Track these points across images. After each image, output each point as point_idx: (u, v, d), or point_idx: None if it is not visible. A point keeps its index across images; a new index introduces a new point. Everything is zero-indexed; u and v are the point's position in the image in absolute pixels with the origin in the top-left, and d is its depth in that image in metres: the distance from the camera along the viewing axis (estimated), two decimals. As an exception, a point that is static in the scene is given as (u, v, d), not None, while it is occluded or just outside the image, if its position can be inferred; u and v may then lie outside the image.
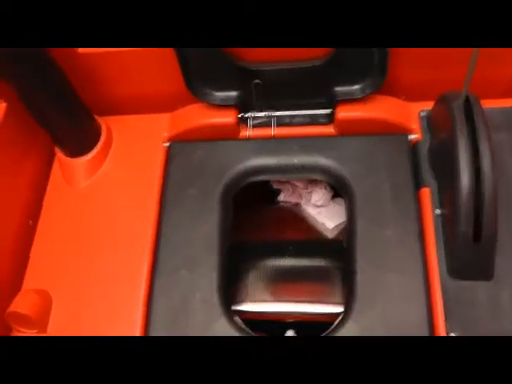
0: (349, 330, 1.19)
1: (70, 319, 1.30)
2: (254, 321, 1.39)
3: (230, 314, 1.27)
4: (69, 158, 1.45)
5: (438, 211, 1.27)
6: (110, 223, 1.40)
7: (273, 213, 1.71)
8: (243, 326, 1.26)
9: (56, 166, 1.51)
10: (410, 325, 1.18)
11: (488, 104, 1.24)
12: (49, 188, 1.48)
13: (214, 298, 1.26)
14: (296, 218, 1.66)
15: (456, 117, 1.18)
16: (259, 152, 1.44)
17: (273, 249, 1.60)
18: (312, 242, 1.63)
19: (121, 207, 1.42)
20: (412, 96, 1.46)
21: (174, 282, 1.29)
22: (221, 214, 1.37)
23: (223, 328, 1.22)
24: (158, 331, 1.24)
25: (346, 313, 1.21)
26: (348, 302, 1.24)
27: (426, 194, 1.30)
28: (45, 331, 1.30)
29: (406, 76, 1.43)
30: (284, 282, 1.51)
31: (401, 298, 1.20)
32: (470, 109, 1.19)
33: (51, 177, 1.50)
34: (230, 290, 1.39)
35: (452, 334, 1.14)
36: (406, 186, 1.33)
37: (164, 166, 1.45)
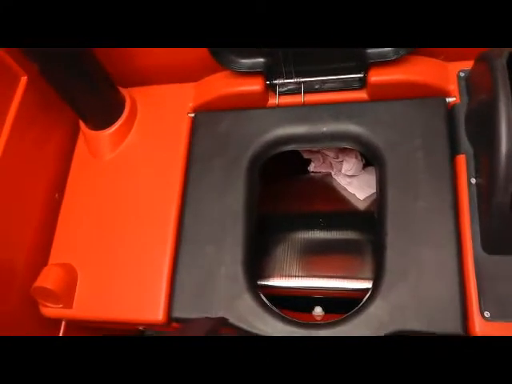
0: (377, 307, 1.12)
1: (96, 293, 1.29)
2: (281, 296, 1.35)
3: (255, 289, 1.23)
4: (93, 131, 1.42)
5: (473, 180, 1.18)
6: (134, 196, 1.37)
7: (303, 183, 1.64)
8: (268, 302, 1.21)
9: (81, 139, 1.49)
10: (442, 302, 1.10)
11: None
12: (74, 161, 1.46)
13: (239, 274, 1.22)
14: (326, 188, 1.59)
15: (498, 76, 1.07)
16: (288, 120, 1.37)
17: (302, 221, 1.54)
18: (343, 213, 1.56)
19: (145, 179, 1.38)
20: (451, 55, 1.34)
21: (199, 256, 1.25)
22: (247, 186, 1.31)
23: (247, 304, 1.18)
24: (181, 307, 1.22)
25: (375, 289, 1.15)
26: (377, 277, 1.17)
27: (462, 161, 1.20)
28: (70, 306, 1.29)
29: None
30: (313, 256, 1.45)
31: (432, 273, 1.13)
32: (513, 67, 1.08)
33: (76, 150, 1.48)
34: (256, 264, 1.35)
35: (486, 312, 1.06)
36: (442, 154, 1.23)
37: (189, 136, 1.40)
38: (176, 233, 1.30)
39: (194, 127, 1.41)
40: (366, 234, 1.45)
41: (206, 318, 1.18)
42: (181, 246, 1.28)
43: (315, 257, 1.45)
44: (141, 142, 1.43)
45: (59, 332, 1.45)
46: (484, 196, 1.14)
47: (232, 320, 1.17)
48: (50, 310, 1.32)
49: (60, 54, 1.20)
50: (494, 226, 1.10)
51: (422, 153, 1.24)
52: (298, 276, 1.40)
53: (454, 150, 1.23)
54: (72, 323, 1.44)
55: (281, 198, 1.59)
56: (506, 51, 1.08)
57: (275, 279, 1.40)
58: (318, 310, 1.37)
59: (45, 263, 1.36)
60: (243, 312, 1.18)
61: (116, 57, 1.42)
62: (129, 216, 1.35)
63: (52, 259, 1.36)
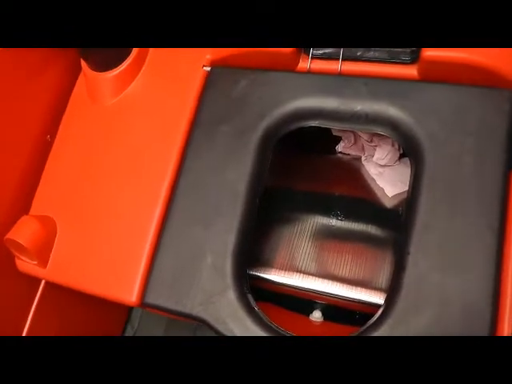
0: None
1: (72, 256, 1.12)
2: (276, 293, 1.14)
3: (242, 287, 1.01)
4: (94, 72, 1.19)
5: None
6: (129, 151, 1.16)
7: (327, 163, 1.38)
8: (255, 305, 0.99)
9: (81, 79, 1.27)
10: None
11: None
12: (70, 102, 1.25)
13: (227, 266, 1.00)
14: (353, 174, 1.33)
15: None
16: (317, 90, 1.09)
17: (317, 206, 1.29)
18: (365, 207, 1.29)
19: (145, 135, 1.16)
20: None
21: (185, 238, 1.04)
22: (255, 163, 1.07)
23: (229, 304, 0.97)
24: (155, 293, 1.02)
25: (383, 315, 0.91)
26: (389, 301, 0.92)
27: None
28: (45, 265, 1.13)
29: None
30: (321, 252, 1.21)
31: (457, 314, 0.87)
32: None
33: (74, 91, 1.27)
34: (253, 250, 1.13)
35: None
36: (496, 162, 0.94)
37: (200, 93, 1.16)
38: (166, 206, 1.08)
39: (208, 83, 1.16)
40: (388, 237, 1.20)
41: None
42: (167, 222, 1.06)
43: (324, 253, 1.21)
44: (146, 91, 1.19)
45: (37, 291, 1.30)
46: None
47: (209, 319, 0.97)
48: (25, 265, 1.16)
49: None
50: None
51: (471, 157, 0.95)
52: (301, 272, 1.17)
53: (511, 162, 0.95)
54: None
55: (297, 175, 1.34)
56: None
57: (273, 272, 1.18)
58: (316, 315, 1.16)
59: (27, 211, 1.19)
60: (223, 313, 0.97)
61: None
62: (119, 175, 1.14)
63: (33, 208, 1.19)
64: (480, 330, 0.85)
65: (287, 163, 1.26)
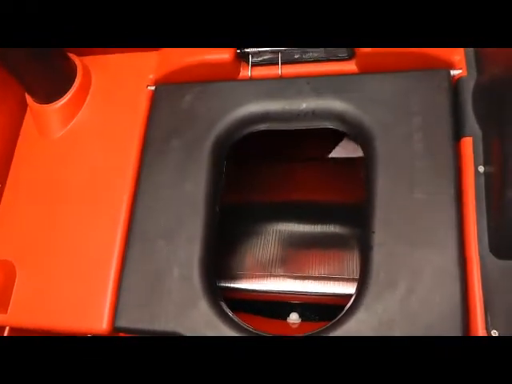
0: (359, 321, 0.87)
1: (34, 297, 1.06)
2: (251, 301, 1.11)
3: (214, 295, 0.97)
4: (40, 105, 1.17)
5: (481, 168, 0.92)
6: (83, 183, 1.12)
7: (278, 171, 1.38)
8: (228, 311, 0.96)
9: (28, 115, 1.23)
10: (439, 317, 0.85)
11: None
12: (20, 141, 1.21)
13: (194, 276, 0.97)
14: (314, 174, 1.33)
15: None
16: (261, 95, 1.10)
17: (278, 213, 1.28)
18: (326, 206, 1.29)
19: (96, 163, 1.13)
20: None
21: (149, 254, 1.00)
22: (210, 172, 1.06)
23: (202, 314, 0.93)
24: (126, 315, 0.97)
25: (358, 298, 0.89)
26: (361, 283, 0.91)
27: (468, 145, 0.94)
28: (5, 311, 1.05)
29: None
30: (289, 253, 1.20)
31: (428, 281, 0.87)
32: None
33: (23, 127, 1.23)
34: (221, 263, 1.11)
35: (493, 332, 0.82)
36: (444, 136, 0.96)
37: (148, 113, 1.14)
38: (127, 226, 1.05)
39: (154, 102, 1.15)
40: (353, 231, 1.20)
41: None
42: (129, 242, 1.03)
43: (292, 256, 1.20)
44: (93, 118, 1.17)
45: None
46: (495, 188, 0.88)
47: (184, 332, 0.93)
48: None
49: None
50: (506, 225, 0.85)
51: (420, 134, 0.97)
52: (272, 277, 1.15)
53: (458, 132, 0.96)
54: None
55: (254, 186, 1.33)
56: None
57: (244, 281, 1.15)
58: (293, 317, 1.13)
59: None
60: (197, 323, 0.93)
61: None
62: (76, 207, 1.11)
63: None
64: (453, 292, 0.85)
65: (243, 177, 1.25)
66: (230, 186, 1.12)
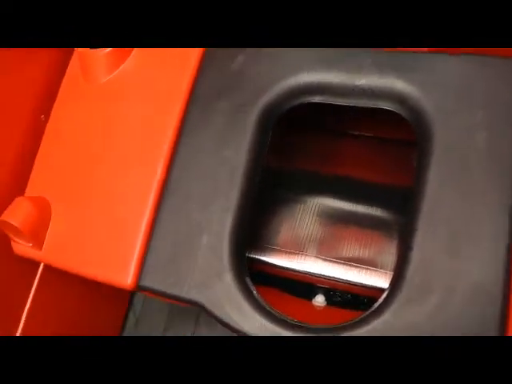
0: (386, 323, 0.82)
1: (67, 238, 1.06)
2: (277, 277, 1.08)
3: (241, 269, 0.94)
4: (87, 49, 1.11)
5: None
6: (123, 131, 1.09)
7: (333, 143, 1.29)
8: (253, 288, 0.92)
9: (74, 58, 1.19)
10: (473, 333, 0.79)
11: None
12: (64, 81, 1.18)
13: (224, 247, 0.93)
14: (359, 155, 1.25)
15: None
16: (318, 64, 1.01)
17: (321, 186, 1.21)
18: (371, 188, 1.21)
19: (138, 114, 1.08)
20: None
21: (181, 218, 0.97)
22: (254, 140, 1.00)
23: (226, 287, 0.91)
24: (151, 275, 0.96)
25: (388, 299, 0.84)
26: (394, 284, 0.85)
27: None
28: (40, 248, 1.07)
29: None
30: (325, 233, 1.14)
31: (465, 297, 0.80)
32: None
33: (68, 70, 1.19)
34: (254, 231, 1.06)
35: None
36: (508, 138, 0.86)
37: (197, 69, 1.08)
38: (162, 186, 1.02)
39: (205, 59, 1.08)
40: (394, 219, 1.13)
41: None
42: (163, 202, 1.00)
43: (328, 235, 1.14)
44: (141, 68, 1.11)
45: (36, 276, 1.25)
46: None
47: (205, 303, 0.91)
48: (20, 248, 1.10)
49: None
50: None
51: (482, 132, 0.87)
52: (303, 255, 1.11)
53: None
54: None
55: (301, 154, 1.26)
56: None
57: (274, 255, 1.11)
58: (319, 299, 1.09)
59: (23, 192, 1.13)
60: (220, 296, 0.90)
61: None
62: (114, 154, 1.07)
63: (28, 190, 1.13)
64: (490, 318, 0.78)
65: (290, 142, 1.18)
66: (272, 150, 1.07)
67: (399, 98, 0.96)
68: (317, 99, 1.03)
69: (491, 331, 0.77)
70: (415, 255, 0.84)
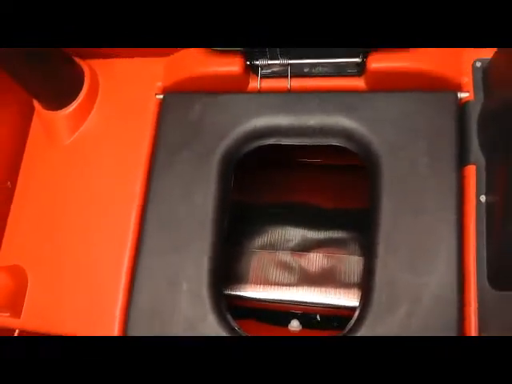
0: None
1: (46, 302, 1.08)
2: (254, 309, 1.14)
3: (221, 308, 1.00)
4: (48, 111, 1.16)
5: (483, 198, 0.93)
6: (92, 190, 1.13)
7: (287, 175, 1.38)
8: (235, 325, 0.98)
9: (36, 120, 1.22)
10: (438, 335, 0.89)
11: None
12: (28, 145, 1.21)
13: (203, 290, 0.99)
14: (312, 182, 1.35)
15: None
16: (269, 109, 1.09)
17: (283, 217, 1.30)
18: (330, 211, 1.31)
19: (105, 171, 1.13)
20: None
21: (159, 267, 1.02)
22: (219, 184, 1.06)
23: (211, 327, 0.96)
24: (137, 326, 1.00)
25: (359, 319, 0.92)
26: (363, 304, 0.94)
27: (471, 173, 0.95)
28: (18, 316, 1.08)
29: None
30: (295, 261, 1.22)
31: (427, 307, 0.90)
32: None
33: (31, 133, 1.22)
34: (228, 269, 1.13)
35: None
36: (449, 161, 0.97)
37: (156, 122, 1.14)
38: (136, 237, 1.06)
39: (163, 111, 1.14)
40: (356, 237, 1.22)
41: None
42: (140, 252, 1.04)
43: (298, 261, 1.23)
44: (102, 125, 1.17)
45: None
46: (496, 218, 0.89)
47: None
48: None
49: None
50: (506, 256, 0.86)
51: (425, 159, 0.98)
52: (274, 285, 1.18)
53: (463, 158, 0.97)
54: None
55: (260, 189, 1.35)
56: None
57: (247, 289, 1.18)
58: (294, 324, 1.16)
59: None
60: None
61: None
62: (86, 214, 1.11)
63: (2, 258, 1.14)
64: (450, 321, 0.88)
65: (250, 179, 1.25)
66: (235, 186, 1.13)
67: (347, 135, 1.05)
68: (272, 141, 1.10)
69: (452, 332, 0.87)
70: (379, 275, 0.93)
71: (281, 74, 1.13)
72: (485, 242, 0.91)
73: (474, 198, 0.94)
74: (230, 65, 1.10)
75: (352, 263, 1.19)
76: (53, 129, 1.17)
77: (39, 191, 1.16)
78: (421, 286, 0.91)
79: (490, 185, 0.93)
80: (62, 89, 1.14)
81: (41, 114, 1.17)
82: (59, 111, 1.15)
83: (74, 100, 1.15)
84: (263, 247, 1.26)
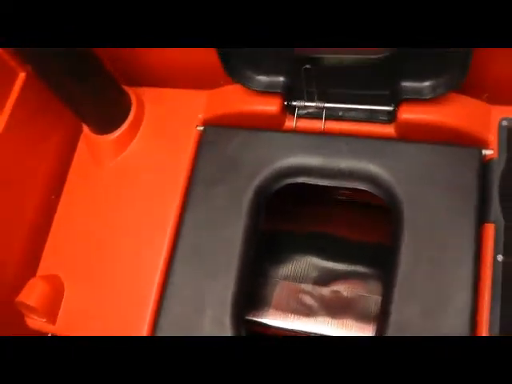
0: None
1: (80, 312, 1.16)
2: (273, 336, 1.21)
3: (241, 334, 1.06)
4: (95, 135, 1.24)
5: (500, 257, 0.97)
6: (132, 209, 1.21)
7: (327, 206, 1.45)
8: None
9: (83, 140, 1.31)
10: None
11: None
12: (73, 163, 1.29)
13: (226, 319, 1.05)
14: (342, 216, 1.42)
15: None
16: (303, 149, 1.15)
17: (310, 247, 1.36)
18: (359, 245, 1.37)
19: (144, 194, 1.21)
20: (497, 96, 1.10)
21: (186, 292, 1.09)
22: (249, 219, 1.12)
23: None
24: None
25: None
26: None
27: (490, 232, 0.99)
28: (54, 322, 1.16)
29: (493, 71, 1.08)
30: (321, 293, 1.29)
31: None
32: None
33: (77, 152, 1.31)
34: (253, 296, 1.19)
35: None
36: (468, 217, 1.01)
37: (195, 152, 1.21)
38: (168, 260, 1.13)
39: (202, 143, 1.21)
40: (379, 273, 1.28)
41: None
42: (170, 277, 1.11)
43: (320, 293, 1.28)
44: (143, 151, 1.24)
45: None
46: (512, 280, 0.94)
47: None
48: (34, 322, 1.20)
49: (52, 53, 1.00)
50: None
51: (446, 213, 1.02)
52: (295, 314, 1.24)
53: (482, 216, 1.01)
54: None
55: (294, 218, 1.41)
56: None
57: (269, 316, 1.24)
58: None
59: (35, 269, 1.22)
60: None
61: (123, 52, 1.23)
62: (123, 232, 1.19)
63: (41, 268, 1.23)
64: None
65: (279, 209, 1.31)
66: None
67: (373, 181, 1.11)
68: (302, 180, 1.16)
69: None
70: (393, 320, 0.98)
71: (315, 116, 1.19)
72: (499, 301, 0.94)
73: (492, 256, 0.97)
74: (268, 104, 1.18)
75: (372, 299, 1.25)
76: (98, 151, 1.26)
77: (80, 206, 1.25)
78: (432, 328, 0.95)
79: (508, 244, 0.97)
80: (109, 115, 1.22)
81: (88, 136, 1.25)
82: (105, 135, 1.23)
83: (120, 126, 1.22)
84: (287, 277, 1.32)
